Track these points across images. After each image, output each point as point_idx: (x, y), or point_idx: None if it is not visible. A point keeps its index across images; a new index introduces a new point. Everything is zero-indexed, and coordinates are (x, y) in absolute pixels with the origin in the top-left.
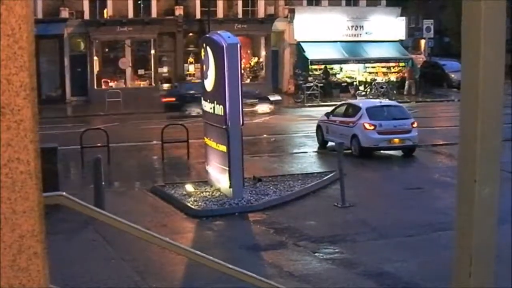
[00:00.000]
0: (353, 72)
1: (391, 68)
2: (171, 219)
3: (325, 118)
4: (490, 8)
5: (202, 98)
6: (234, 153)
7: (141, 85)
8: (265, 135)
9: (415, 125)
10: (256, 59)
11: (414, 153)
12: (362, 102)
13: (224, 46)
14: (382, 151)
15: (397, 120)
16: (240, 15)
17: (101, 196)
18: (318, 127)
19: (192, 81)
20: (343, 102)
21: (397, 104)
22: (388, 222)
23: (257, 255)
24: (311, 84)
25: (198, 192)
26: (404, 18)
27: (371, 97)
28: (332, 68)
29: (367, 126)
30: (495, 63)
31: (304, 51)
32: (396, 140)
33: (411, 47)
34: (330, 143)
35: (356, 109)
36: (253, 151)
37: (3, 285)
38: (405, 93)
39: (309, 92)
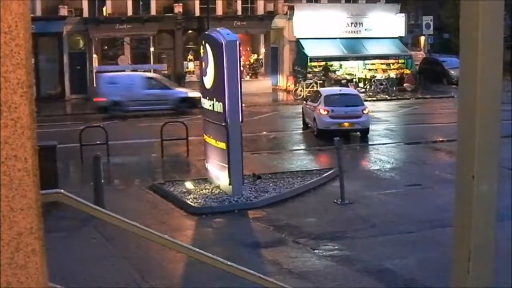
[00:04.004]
0: (353, 69)
1: (391, 64)
2: (170, 217)
3: (305, 103)
4: (487, 5)
5: (201, 96)
6: (233, 150)
7: None
8: (264, 132)
9: (366, 111)
10: (255, 56)
11: (368, 134)
12: (324, 90)
13: (223, 43)
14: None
15: (349, 107)
16: (239, 12)
17: (101, 193)
18: (302, 109)
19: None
20: (315, 89)
21: (354, 92)
22: (388, 218)
23: (257, 252)
24: (311, 81)
25: (198, 190)
26: (403, 14)
27: (370, 93)
28: (331, 65)
29: (321, 111)
30: (493, 60)
31: (303, 48)
32: (346, 124)
33: (410, 43)
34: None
35: (319, 96)
36: (252, 148)
37: (1, 283)
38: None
39: (308, 89)
